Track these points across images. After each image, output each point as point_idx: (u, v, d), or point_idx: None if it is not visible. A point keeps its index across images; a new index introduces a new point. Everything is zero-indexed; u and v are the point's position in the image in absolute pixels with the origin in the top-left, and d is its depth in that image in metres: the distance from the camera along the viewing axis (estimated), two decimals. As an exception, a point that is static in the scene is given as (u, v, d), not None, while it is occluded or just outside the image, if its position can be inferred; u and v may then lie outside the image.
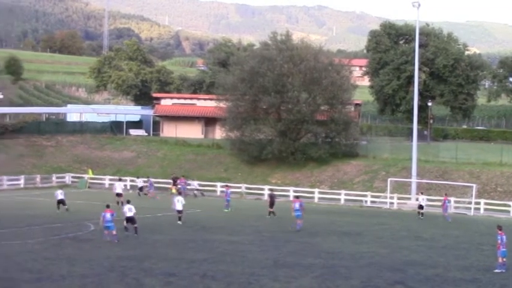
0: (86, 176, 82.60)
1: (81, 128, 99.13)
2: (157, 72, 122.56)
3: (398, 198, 72.68)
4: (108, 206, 42.92)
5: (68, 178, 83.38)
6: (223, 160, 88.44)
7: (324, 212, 64.83)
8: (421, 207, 62.77)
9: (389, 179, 74.05)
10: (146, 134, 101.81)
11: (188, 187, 75.17)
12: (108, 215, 41.85)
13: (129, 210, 44.14)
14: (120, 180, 69.67)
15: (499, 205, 68.18)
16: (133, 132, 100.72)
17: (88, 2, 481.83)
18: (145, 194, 72.38)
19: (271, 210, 57.55)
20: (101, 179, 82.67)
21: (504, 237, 35.85)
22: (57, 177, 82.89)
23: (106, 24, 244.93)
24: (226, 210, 60.75)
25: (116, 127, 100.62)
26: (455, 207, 69.48)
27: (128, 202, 45.57)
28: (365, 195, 73.65)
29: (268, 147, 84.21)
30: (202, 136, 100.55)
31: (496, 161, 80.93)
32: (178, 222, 50.90)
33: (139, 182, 73.82)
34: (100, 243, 40.93)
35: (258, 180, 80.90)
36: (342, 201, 74.08)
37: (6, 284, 29.35)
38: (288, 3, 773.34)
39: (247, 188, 77.35)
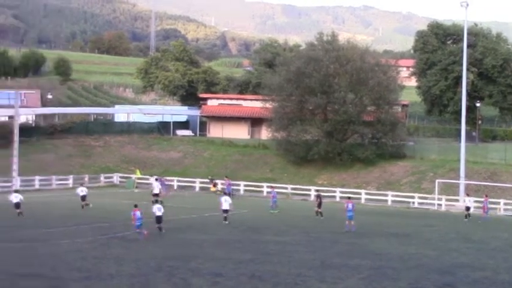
0: (133, 176, 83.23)
1: (128, 128, 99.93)
2: (203, 73, 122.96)
3: (447, 200, 71.99)
4: (136, 206, 43.74)
5: (115, 178, 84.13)
6: (269, 161, 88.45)
7: (371, 213, 64.43)
8: (468, 208, 62.07)
9: (437, 181, 73.41)
10: (193, 134, 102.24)
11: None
12: (138, 213, 42.85)
13: (158, 210, 44.77)
14: (157, 180, 69.85)
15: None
16: (180, 132, 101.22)
17: (135, 3, 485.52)
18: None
19: (319, 210, 57.31)
20: (148, 179, 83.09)
21: None
22: (105, 177, 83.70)
23: (153, 25, 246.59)
24: (272, 211, 60.67)
25: (163, 127, 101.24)
26: (505, 210, 68.69)
27: (157, 202, 46.30)
28: (412, 197, 73.08)
29: (314, 147, 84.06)
30: (248, 137, 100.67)
31: (546, 162, 79.78)
32: (224, 222, 51.08)
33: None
34: (147, 243, 41.18)
35: (304, 181, 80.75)
36: (389, 203, 73.62)
37: (55, 283, 29.66)
38: (334, 3, 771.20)
39: (293, 189, 77.23)
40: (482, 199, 68.00)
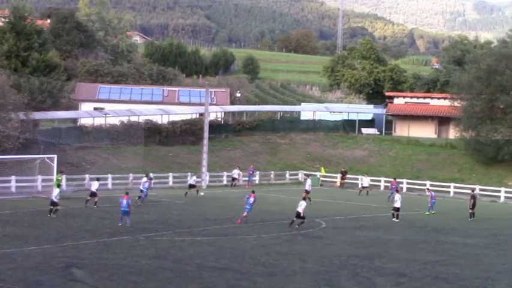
0: (318, 173, 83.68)
1: (314, 126, 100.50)
2: (390, 71, 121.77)
3: None
4: (127, 193, 45.25)
5: (300, 175, 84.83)
6: (457, 160, 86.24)
7: None
8: None
9: None
10: (378, 133, 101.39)
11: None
12: (124, 202, 43.62)
13: (299, 206, 45.80)
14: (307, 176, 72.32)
15: None
16: (365, 130, 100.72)
17: (323, 1, 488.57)
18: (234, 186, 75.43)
19: (472, 211, 54.65)
20: (332, 177, 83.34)
21: None
22: (290, 174, 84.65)
23: (340, 23, 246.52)
24: (427, 213, 57.99)
25: (348, 126, 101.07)
26: None
27: (304, 199, 47.64)
28: None
29: (505, 147, 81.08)
30: (435, 136, 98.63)
31: None
32: (394, 219, 51.06)
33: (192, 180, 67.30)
34: (331, 241, 41.31)
35: (493, 182, 78.03)
36: None
37: (241, 276, 30.35)
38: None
39: (481, 190, 74.68)
40: None
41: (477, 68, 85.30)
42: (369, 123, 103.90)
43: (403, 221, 51.18)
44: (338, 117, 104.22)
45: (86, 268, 30.74)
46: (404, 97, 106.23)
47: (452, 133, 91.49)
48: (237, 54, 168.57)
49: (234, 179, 76.36)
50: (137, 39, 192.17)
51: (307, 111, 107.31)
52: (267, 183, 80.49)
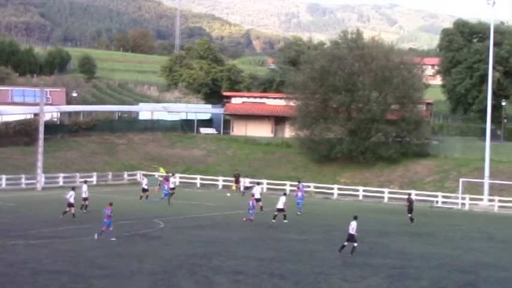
0: (156, 174, 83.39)
1: (152, 126, 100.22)
2: (227, 71, 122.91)
3: (470, 199, 71.55)
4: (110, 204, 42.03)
5: (139, 175, 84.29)
6: (292, 159, 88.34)
7: (393, 212, 64.23)
8: None
9: (461, 180, 72.97)
10: (216, 132, 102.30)
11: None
12: (107, 211, 41.34)
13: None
14: (173, 175, 71.05)
15: None
16: (203, 130, 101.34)
17: (160, 1, 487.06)
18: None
19: (411, 215, 55.22)
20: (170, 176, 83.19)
21: None
22: (129, 175, 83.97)
23: (178, 23, 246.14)
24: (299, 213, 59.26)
25: (187, 125, 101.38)
26: (529, 209, 68.18)
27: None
28: (436, 196, 72.71)
29: (337, 146, 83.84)
30: (271, 135, 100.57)
31: None
32: (284, 221, 51.56)
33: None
34: (170, 241, 41.33)
35: (326, 180, 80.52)
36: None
37: (77, 279, 29.78)
38: (359, 1, 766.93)
39: (315, 187, 76.97)
40: (507, 199, 67.75)
41: (311, 68, 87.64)
42: (207, 123, 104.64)
43: (240, 219, 51.85)
44: (176, 117, 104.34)
45: None
46: (241, 97, 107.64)
47: (288, 132, 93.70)
48: (73, 53, 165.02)
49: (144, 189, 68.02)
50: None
51: (145, 111, 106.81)
52: (104, 184, 79.34)
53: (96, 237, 40.46)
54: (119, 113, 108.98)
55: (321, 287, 30.22)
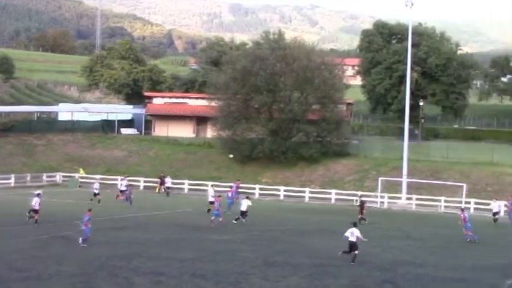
0: (76, 175, 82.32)
1: (72, 126, 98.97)
2: (149, 71, 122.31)
3: (389, 198, 72.81)
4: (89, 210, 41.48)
5: (58, 177, 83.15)
6: (214, 159, 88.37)
7: (314, 211, 64.90)
8: (495, 213, 60.49)
9: (380, 179, 74.16)
10: (138, 133, 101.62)
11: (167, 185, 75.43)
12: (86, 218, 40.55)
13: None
14: (125, 177, 70.65)
15: (488, 204, 68.15)
16: (124, 131, 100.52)
17: (81, 0, 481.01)
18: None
19: (362, 216, 55.56)
20: (91, 178, 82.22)
21: None
22: (48, 176, 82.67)
23: (98, 23, 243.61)
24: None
25: (107, 126, 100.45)
26: (446, 207, 69.63)
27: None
28: (355, 195, 73.71)
29: (259, 146, 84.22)
30: (193, 135, 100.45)
31: (486, 160, 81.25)
32: (243, 220, 52.02)
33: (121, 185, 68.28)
34: (91, 243, 40.76)
35: (248, 179, 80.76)
36: (333, 201, 74.22)
37: (-5, 283, 29.31)
38: (281, 2, 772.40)
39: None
40: (425, 197, 69.14)
41: (233, 68, 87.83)
42: (128, 124, 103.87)
43: (163, 220, 51.67)
44: (97, 118, 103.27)
45: None
46: (163, 97, 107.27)
47: (210, 132, 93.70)
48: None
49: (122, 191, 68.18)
50: None
51: (65, 112, 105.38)
52: (23, 185, 77.86)
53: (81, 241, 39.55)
54: (38, 114, 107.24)
55: (242, 286, 30.31)
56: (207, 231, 47.59)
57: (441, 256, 40.51)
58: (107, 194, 66.92)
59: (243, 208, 52.57)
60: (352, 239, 37.06)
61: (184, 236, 44.98)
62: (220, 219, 50.69)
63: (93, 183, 68.90)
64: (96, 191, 64.27)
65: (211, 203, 56.74)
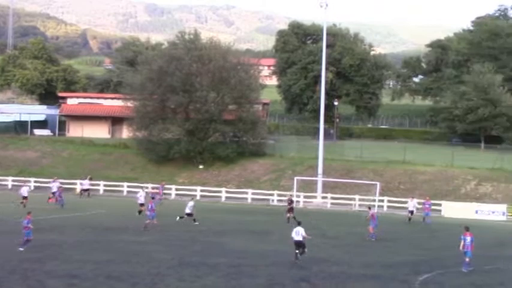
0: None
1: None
2: (63, 71, 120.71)
3: (304, 197, 73.50)
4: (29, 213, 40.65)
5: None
6: (130, 159, 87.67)
7: (230, 211, 65.04)
8: (411, 212, 61.45)
9: (295, 178, 74.72)
10: (52, 133, 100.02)
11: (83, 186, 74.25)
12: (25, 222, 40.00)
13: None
14: (90, 179, 72.57)
15: (401, 202, 69.61)
16: (38, 132, 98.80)
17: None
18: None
19: (291, 215, 55.58)
20: (3, 180, 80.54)
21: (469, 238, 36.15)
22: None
23: (10, 22, 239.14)
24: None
25: (20, 127, 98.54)
26: (360, 205, 70.64)
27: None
28: (272, 194, 74.15)
29: (175, 146, 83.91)
30: (109, 136, 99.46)
31: (399, 159, 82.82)
32: (195, 223, 51.98)
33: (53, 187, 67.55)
34: (2, 246, 39.97)
35: (165, 180, 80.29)
36: (249, 200, 74.52)
37: None
38: (197, 2, 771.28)
39: (153, 188, 76.54)
40: (339, 196, 70.03)
41: (149, 69, 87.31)
42: (42, 124, 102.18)
43: (77, 221, 50.99)
44: (9, 118, 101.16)
45: None
46: (77, 97, 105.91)
47: (126, 133, 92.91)
48: None
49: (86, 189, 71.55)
50: None
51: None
52: None
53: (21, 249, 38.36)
54: None
55: (158, 287, 30.19)
56: (121, 233, 47.17)
57: (355, 254, 41.15)
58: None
59: (188, 210, 52.81)
60: (298, 238, 37.85)
61: (98, 238, 44.46)
62: (155, 221, 50.05)
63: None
64: (26, 195, 62.44)
65: (142, 205, 56.80)
